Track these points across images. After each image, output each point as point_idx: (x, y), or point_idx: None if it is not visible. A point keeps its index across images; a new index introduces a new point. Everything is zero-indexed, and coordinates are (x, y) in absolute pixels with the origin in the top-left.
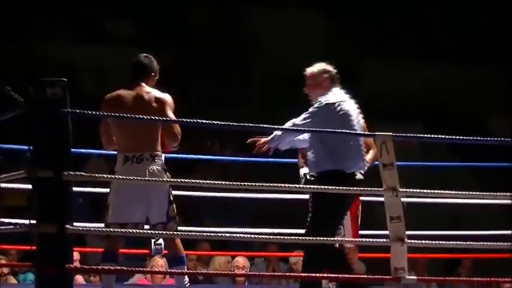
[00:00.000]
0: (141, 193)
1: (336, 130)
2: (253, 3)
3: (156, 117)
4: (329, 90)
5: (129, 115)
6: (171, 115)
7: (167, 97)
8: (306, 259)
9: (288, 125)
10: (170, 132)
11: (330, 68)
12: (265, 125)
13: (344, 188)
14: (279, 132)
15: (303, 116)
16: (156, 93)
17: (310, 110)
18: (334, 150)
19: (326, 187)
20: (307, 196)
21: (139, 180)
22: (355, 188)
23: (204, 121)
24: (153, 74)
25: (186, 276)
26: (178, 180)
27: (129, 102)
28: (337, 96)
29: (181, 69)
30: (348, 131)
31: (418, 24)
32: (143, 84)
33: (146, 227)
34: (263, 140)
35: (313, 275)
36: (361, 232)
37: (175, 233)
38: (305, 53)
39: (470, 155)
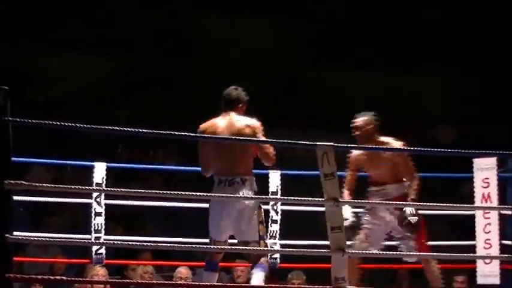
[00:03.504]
0: (227, 214)
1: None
2: (195, 10)
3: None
4: None
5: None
6: (262, 138)
7: (256, 122)
8: None
9: None
10: (264, 154)
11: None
12: (208, 136)
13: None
14: None
15: None
16: (246, 119)
17: None
18: None
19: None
20: None
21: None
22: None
23: (151, 131)
24: (241, 104)
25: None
26: (126, 190)
27: (223, 130)
28: None
29: (129, 73)
30: None
31: (360, 30)
32: (233, 113)
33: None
34: None
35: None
36: (301, 242)
37: (262, 248)
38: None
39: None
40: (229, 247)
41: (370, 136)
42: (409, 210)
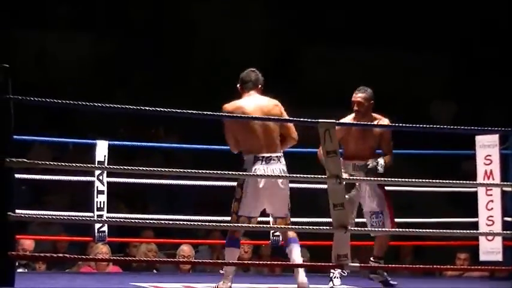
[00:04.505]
0: (267, 190)
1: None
2: None
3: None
4: None
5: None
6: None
7: (279, 103)
8: None
9: None
10: (291, 132)
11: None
12: (209, 113)
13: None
14: None
15: None
16: (272, 100)
17: None
18: None
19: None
20: None
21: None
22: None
23: (149, 108)
24: (260, 85)
25: None
26: (124, 167)
27: (254, 110)
28: None
29: (124, 56)
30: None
31: (359, 10)
32: (256, 93)
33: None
34: None
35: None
36: (303, 220)
37: (288, 226)
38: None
39: (411, 141)
40: (247, 225)
41: (368, 112)
42: (373, 162)
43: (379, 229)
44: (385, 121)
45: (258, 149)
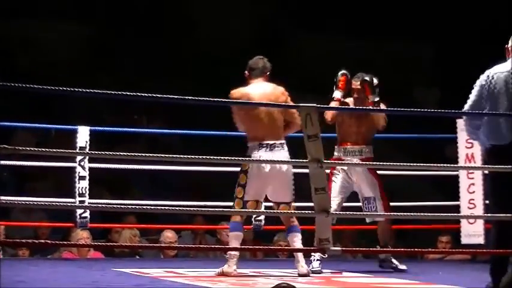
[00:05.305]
0: (268, 176)
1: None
2: None
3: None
4: None
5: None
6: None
7: (285, 90)
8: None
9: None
10: (296, 119)
11: None
12: (194, 98)
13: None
14: None
15: None
16: (278, 87)
17: None
18: None
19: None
20: (233, 169)
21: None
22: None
23: (132, 93)
24: (268, 73)
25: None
26: (105, 153)
27: (261, 97)
28: None
29: (110, 41)
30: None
31: None
32: (262, 81)
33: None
34: None
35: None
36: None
37: (290, 211)
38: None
39: (396, 125)
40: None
41: (365, 98)
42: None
43: (360, 213)
44: (383, 107)
45: (263, 136)
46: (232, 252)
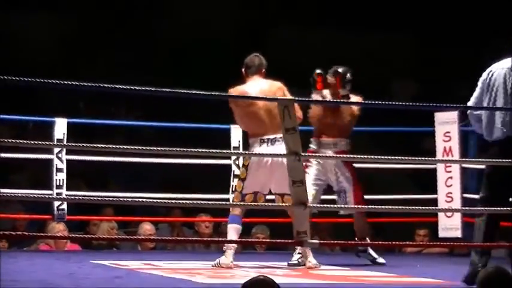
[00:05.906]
0: (270, 169)
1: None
2: None
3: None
4: None
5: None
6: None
7: (282, 85)
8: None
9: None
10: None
11: None
12: (169, 90)
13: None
14: None
15: None
16: (276, 83)
17: None
18: None
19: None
20: (213, 162)
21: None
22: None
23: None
24: (264, 69)
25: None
26: (82, 145)
27: (259, 94)
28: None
29: (89, 35)
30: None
31: None
32: (259, 78)
33: None
34: None
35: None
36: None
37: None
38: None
39: (374, 119)
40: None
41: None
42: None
43: (338, 206)
44: (359, 99)
45: (263, 132)
46: (230, 244)
